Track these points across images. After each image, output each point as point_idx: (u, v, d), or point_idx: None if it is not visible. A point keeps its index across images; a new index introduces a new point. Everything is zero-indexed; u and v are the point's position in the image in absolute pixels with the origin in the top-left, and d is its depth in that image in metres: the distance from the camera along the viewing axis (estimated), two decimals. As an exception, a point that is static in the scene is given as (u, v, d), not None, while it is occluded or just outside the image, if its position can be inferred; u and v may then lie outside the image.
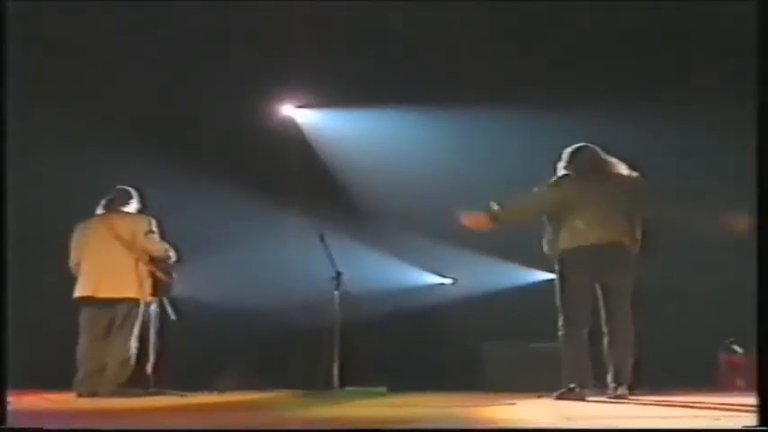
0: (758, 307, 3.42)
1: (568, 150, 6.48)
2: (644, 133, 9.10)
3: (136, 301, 7.35)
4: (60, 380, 7.53)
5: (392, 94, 9.97)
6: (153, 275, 7.44)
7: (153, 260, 7.47)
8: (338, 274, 8.06)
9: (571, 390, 6.03)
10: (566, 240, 6.23)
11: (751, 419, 3.39)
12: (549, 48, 9.71)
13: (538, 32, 9.68)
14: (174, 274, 7.64)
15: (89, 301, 7.42)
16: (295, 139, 10.90)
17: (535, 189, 6.46)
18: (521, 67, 9.80)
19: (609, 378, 6.14)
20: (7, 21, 3.85)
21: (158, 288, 7.50)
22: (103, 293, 7.35)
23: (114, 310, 7.33)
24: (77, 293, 7.46)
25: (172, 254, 7.61)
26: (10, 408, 5.30)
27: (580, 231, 6.17)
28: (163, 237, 7.66)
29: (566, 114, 8.94)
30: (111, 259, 7.37)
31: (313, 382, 8.20)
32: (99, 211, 7.62)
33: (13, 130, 4.12)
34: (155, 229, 7.55)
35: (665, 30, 9.45)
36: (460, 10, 9.51)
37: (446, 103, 9.81)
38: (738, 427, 3.47)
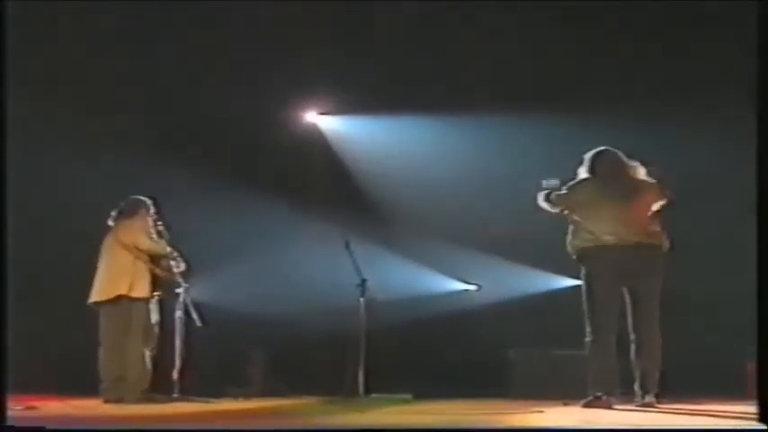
0: (758, 310, 3.39)
1: (590, 154, 6.46)
2: (644, 134, 9.05)
3: (133, 299, 7.40)
4: (85, 385, 7.58)
5: (416, 101, 9.95)
6: (152, 273, 7.52)
7: (153, 259, 7.56)
8: (363, 281, 8.05)
9: (598, 398, 5.97)
10: (589, 239, 6.21)
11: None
12: (564, 52, 9.66)
13: (554, 37, 9.64)
14: (175, 270, 7.66)
15: (96, 306, 7.52)
16: (319, 146, 10.90)
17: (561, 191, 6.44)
18: (545, 72, 9.78)
19: (636, 386, 6.08)
20: (7, 21, 3.86)
21: (158, 285, 7.56)
22: (105, 296, 7.45)
23: (118, 310, 7.40)
24: (90, 300, 7.57)
25: (168, 249, 7.67)
26: (35, 413, 5.35)
27: (603, 231, 6.15)
28: (171, 240, 7.73)
29: (585, 118, 8.90)
30: (112, 263, 7.51)
31: (338, 388, 8.19)
32: (110, 222, 7.72)
33: (18, 131, 4.15)
34: (150, 228, 7.63)
35: (665, 30, 9.40)
36: (484, 18, 9.50)
37: (471, 110, 9.79)
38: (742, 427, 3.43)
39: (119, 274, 7.46)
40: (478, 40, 9.74)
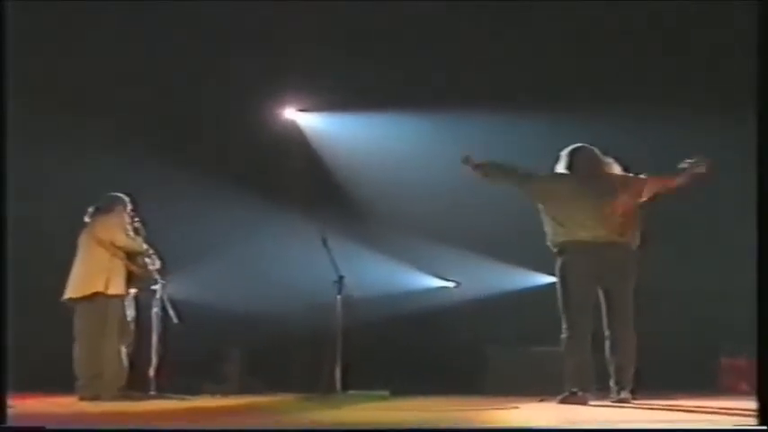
0: (758, 309, 3.40)
1: (566, 151, 6.49)
2: (644, 134, 9.10)
3: (109, 296, 7.38)
4: (62, 383, 7.54)
5: (395, 98, 9.96)
6: (127, 269, 7.49)
7: (129, 256, 7.53)
8: (340, 277, 8.03)
9: (573, 393, 6.01)
10: (564, 234, 6.24)
11: (752, 423, 3.38)
12: (550, 49, 9.70)
13: (540, 34, 9.68)
14: (151, 267, 7.65)
15: (71, 303, 7.47)
16: (297, 142, 10.89)
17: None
18: (523, 70, 9.81)
19: (611, 382, 6.12)
20: (7, 21, 3.84)
21: (133, 281, 7.53)
22: (80, 293, 7.40)
23: (93, 308, 7.36)
24: (64, 297, 7.51)
25: (144, 246, 7.65)
26: (12, 411, 5.31)
27: (578, 227, 6.18)
28: (146, 237, 7.71)
29: (567, 116, 8.93)
30: (87, 260, 7.46)
31: (315, 385, 8.19)
32: (86, 219, 7.68)
33: (18, 129, 4.12)
34: (127, 225, 7.61)
35: (665, 30, 9.45)
36: (464, 13, 9.52)
37: (449, 107, 9.81)
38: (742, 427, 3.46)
39: (95, 270, 7.42)
40: (459, 38, 9.77)
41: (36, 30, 8.65)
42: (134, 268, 7.55)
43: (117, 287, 7.41)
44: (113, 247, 7.49)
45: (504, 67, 9.83)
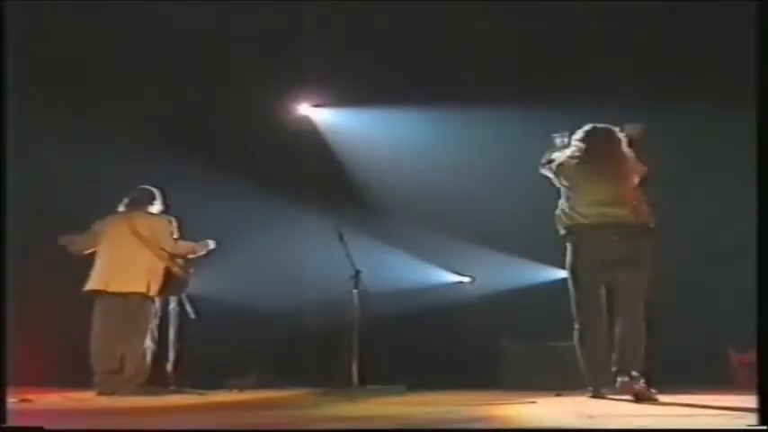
0: (758, 307, 3.40)
1: (586, 128, 6.43)
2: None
3: (147, 297, 7.38)
4: (77, 378, 7.57)
5: (409, 93, 9.96)
6: (167, 271, 7.48)
7: (171, 257, 7.51)
8: (357, 272, 8.06)
9: (596, 389, 5.96)
10: (570, 217, 6.18)
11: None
12: (559, 48, 9.69)
13: (547, 33, 9.67)
14: (191, 270, 7.66)
15: (100, 294, 7.42)
16: (312, 138, 10.90)
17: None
18: (534, 67, 9.80)
19: (614, 370, 6.03)
20: (8, 20, 3.87)
21: (173, 284, 7.53)
22: (114, 287, 7.36)
23: (126, 305, 7.34)
24: (89, 287, 7.46)
25: (201, 249, 7.67)
26: (30, 406, 5.35)
27: (591, 209, 6.11)
28: (182, 234, 7.72)
29: (582, 114, 8.91)
30: (126, 255, 7.41)
31: (332, 380, 8.21)
32: (121, 208, 7.67)
33: (18, 126, 4.15)
34: (176, 232, 7.61)
35: (665, 29, 9.43)
36: (475, 10, 9.51)
37: (464, 102, 9.79)
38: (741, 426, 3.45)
39: (136, 269, 7.38)
40: (471, 33, 9.76)
41: (44, 26, 8.73)
42: (176, 270, 7.52)
43: (158, 289, 7.40)
44: (160, 249, 7.47)
45: (520, 62, 9.82)
